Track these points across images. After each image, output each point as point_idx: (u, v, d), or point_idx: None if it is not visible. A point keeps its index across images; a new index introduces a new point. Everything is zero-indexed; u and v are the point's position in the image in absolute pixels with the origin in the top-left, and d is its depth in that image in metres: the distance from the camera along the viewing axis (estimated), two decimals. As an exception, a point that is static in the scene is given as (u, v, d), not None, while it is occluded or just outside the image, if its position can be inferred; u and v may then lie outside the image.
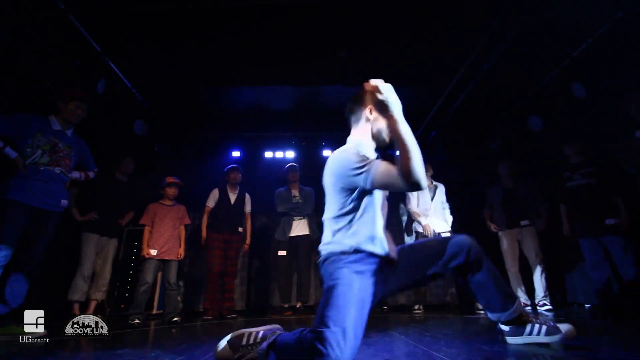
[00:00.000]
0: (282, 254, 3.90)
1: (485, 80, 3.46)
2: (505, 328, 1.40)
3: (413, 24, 2.90)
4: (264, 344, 1.19)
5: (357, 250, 1.27)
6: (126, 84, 3.53)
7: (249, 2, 2.62)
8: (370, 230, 1.30)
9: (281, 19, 2.80)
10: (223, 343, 1.29)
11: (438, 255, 1.32)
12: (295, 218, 3.99)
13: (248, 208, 4.00)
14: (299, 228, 3.97)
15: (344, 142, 1.48)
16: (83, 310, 3.17)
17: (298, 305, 3.82)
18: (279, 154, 5.09)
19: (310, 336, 1.08)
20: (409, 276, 1.36)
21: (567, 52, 3.08)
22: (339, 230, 1.33)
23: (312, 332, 1.10)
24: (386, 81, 1.30)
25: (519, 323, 1.37)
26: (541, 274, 3.35)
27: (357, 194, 1.31)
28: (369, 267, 1.26)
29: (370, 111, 1.41)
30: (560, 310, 3.15)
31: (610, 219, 2.95)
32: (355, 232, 1.30)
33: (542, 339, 1.35)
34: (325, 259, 1.32)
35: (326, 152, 5.03)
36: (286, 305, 3.84)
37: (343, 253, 1.28)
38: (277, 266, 3.95)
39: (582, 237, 3.12)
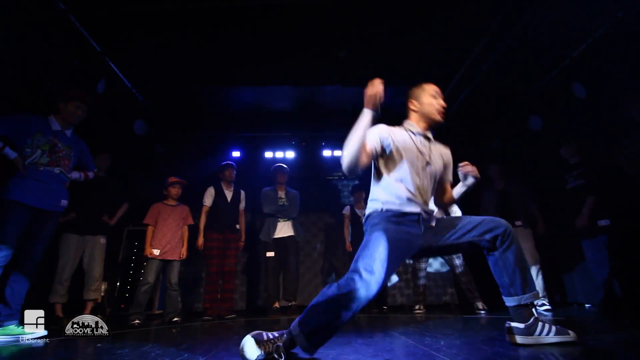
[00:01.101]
0: (270, 255, 3.86)
1: (485, 80, 3.46)
2: (518, 325, 1.38)
3: (413, 24, 2.90)
4: (294, 323, 1.31)
5: (390, 209, 1.48)
6: (126, 84, 3.53)
7: (249, 2, 2.62)
8: (401, 189, 1.50)
9: (281, 18, 2.79)
10: (248, 340, 1.28)
11: (477, 226, 1.47)
12: (280, 220, 3.96)
13: (243, 205, 3.99)
14: (284, 229, 3.94)
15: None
16: (66, 310, 3.05)
17: (291, 303, 3.78)
18: (279, 154, 5.08)
19: (343, 279, 1.30)
20: (447, 237, 1.49)
21: (567, 52, 3.08)
22: (375, 188, 1.58)
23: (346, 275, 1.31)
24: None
25: (529, 313, 1.40)
26: (537, 274, 3.35)
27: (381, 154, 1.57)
28: (403, 219, 1.47)
29: (413, 103, 1.72)
30: (560, 310, 3.15)
31: (602, 220, 2.91)
32: (386, 191, 1.52)
33: (553, 339, 1.35)
34: (367, 217, 1.54)
35: (326, 152, 5.02)
36: (277, 306, 3.81)
37: (380, 209, 1.50)
38: (266, 267, 3.92)
39: (583, 239, 3.11)
